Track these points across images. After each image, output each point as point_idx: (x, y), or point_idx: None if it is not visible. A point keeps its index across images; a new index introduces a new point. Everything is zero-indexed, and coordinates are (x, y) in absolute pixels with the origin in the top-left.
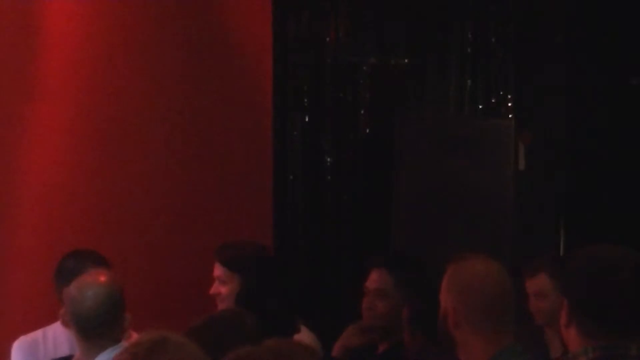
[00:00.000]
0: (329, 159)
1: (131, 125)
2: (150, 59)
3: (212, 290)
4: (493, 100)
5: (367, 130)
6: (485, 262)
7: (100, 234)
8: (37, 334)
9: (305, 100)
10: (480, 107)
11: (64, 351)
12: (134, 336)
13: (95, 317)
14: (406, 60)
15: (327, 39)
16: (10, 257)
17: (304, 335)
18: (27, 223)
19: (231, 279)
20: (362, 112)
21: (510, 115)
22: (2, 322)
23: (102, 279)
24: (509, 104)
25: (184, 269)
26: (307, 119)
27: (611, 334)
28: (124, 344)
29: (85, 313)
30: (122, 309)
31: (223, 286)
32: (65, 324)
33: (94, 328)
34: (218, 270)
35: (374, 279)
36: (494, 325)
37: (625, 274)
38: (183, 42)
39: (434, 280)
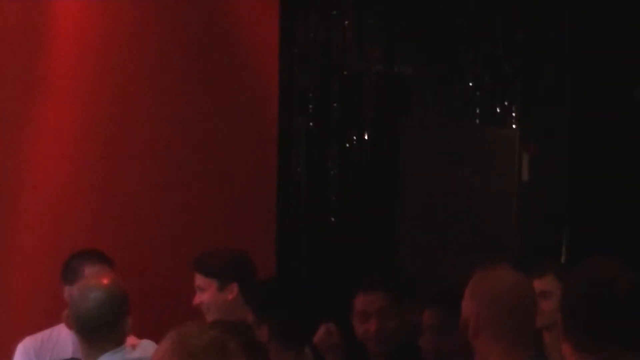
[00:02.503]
0: (333, 166)
1: (136, 127)
2: (157, 62)
3: (195, 301)
4: (497, 111)
5: (372, 138)
6: (511, 273)
7: (103, 234)
8: (43, 334)
9: (311, 106)
10: (484, 117)
11: (68, 353)
12: (134, 340)
13: (96, 319)
14: (412, 69)
15: (334, 46)
16: (14, 256)
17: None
18: (31, 223)
19: (209, 285)
20: (367, 119)
21: (514, 126)
22: (5, 322)
23: (105, 281)
24: (513, 115)
25: (187, 271)
26: (312, 125)
27: (605, 349)
28: (126, 347)
29: (86, 315)
30: (124, 312)
31: (203, 294)
32: (69, 325)
33: (94, 330)
34: (196, 279)
35: (372, 302)
36: (514, 336)
37: (618, 289)
38: (189, 46)
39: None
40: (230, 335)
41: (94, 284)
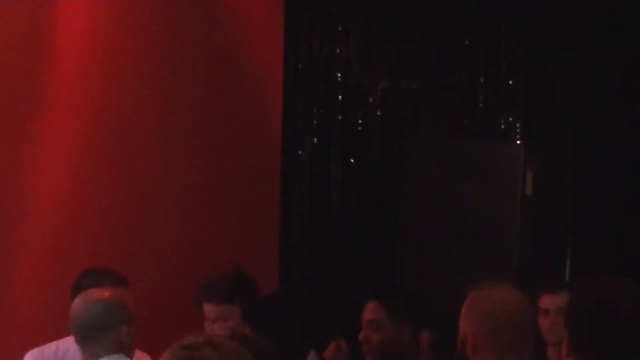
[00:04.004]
0: (337, 181)
1: (139, 142)
2: (161, 77)
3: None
4: (502, 126)
5: (376, 154)
6: (507, 291)
7: (106, 248)
8: (50, 346)
9: (315, 122)
10: (489, 132)
11: None
12: (138, 354)
13: (87, 321)
14: (416, 85)
15: (338, 61)
16: (17, 272)
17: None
18: (35, 237)
19: (232, 312)
20: (371, 135)
21: (518, 141)
22: (10, 335)
23: (106, 294)
24: (518, 130)
25: (190, 285)
26: (316, 141)
27: None
28: (120, 356)
29: (78, 316)
30: (120, 320)
31: (226, 322)
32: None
33: (87, 333)
34: (212, 311)
35: (367, 311)
36: (513, 352)
37: (625, 306)
38: (193, 61)
39: (440, 305)
40: (244, 346)
41: (94, 293)
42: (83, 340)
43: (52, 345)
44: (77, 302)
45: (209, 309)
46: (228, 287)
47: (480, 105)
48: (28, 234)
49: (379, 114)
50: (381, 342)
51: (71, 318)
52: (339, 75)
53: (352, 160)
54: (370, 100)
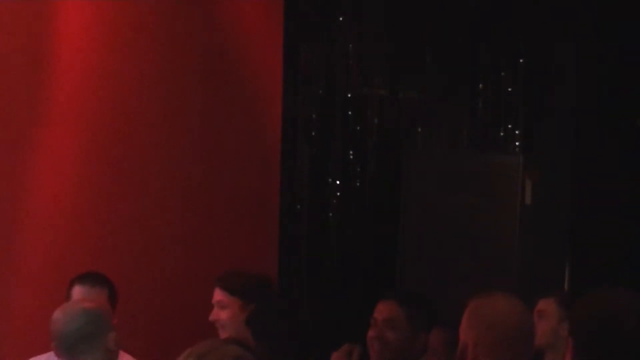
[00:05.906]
0: (336, 191)
1: (140, 150)
2: (161, 85)
3: (212, 317)
4: (501, 136)
5: (375, 163)
6: (508, 301)
7: (106, 256)
8: (49, 357)
9: (314, 131)
10: (488, 142)
11: None
12: (125, 357)
13: (74, 332)
14: (415, 95)
15: (338, 71)
16: (17, 279)
17: None
18: (35, 246)
19: (232, 304)
20: (370, 144)
21: (517, 151)
22: (7, 344)
23: (86, 304)
24: (517, 140)
25: (189, 293)
26: (315, 151)
27: None
28: None
29: (64, 329)
30: (104, 327)
31: (223, 311)
32: (56, 353)
33: (72, 346)
34: (218, 295)
35: (383, 310)
36: None
37: (631, 320)
38: (193, 70)
39: (440, 314)
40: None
41: (74, 305)
42: (70, 353)
43: (51, 355)
44: (58, 315)
45: (215, 292)
46: (237, 280)
47: (479, 114)
48: (28, 241)
49: (377, 123)
50: (396, 341)
51: (54, 331)
52: (338, 85)
53: (350, 171)
54: (369, 110)
